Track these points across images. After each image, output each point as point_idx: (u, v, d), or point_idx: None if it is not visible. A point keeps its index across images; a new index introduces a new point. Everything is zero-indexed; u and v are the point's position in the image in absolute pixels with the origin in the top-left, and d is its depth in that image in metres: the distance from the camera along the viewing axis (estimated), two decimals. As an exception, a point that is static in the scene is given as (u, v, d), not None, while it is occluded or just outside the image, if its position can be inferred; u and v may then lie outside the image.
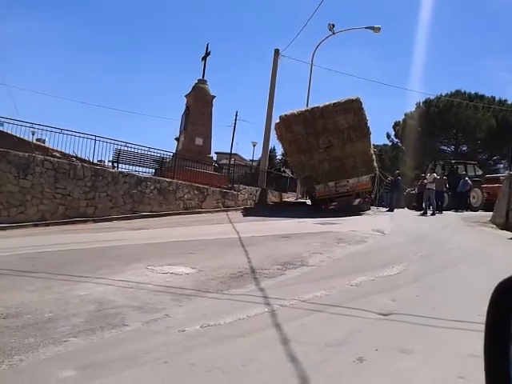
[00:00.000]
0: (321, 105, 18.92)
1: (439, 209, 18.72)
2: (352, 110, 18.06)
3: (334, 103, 18.28)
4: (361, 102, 18.11)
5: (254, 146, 47.08)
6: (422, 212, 18.20)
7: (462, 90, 40.45)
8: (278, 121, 20.11)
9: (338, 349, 3.68)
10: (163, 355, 3.46)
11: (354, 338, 3.92)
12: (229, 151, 42.73)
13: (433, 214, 17.62)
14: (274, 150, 47.77)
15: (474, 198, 21.98)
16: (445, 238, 11.07)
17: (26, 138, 16.39)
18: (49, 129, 14.89)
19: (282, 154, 39.83)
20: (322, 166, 18.44)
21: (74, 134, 14.97)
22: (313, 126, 18.39)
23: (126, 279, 5.92)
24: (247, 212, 17.85)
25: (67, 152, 16.00)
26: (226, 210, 17.93)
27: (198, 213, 17.00)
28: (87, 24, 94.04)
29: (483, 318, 1.08)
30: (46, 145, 18.97)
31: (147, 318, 4.34)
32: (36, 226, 13.03)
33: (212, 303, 4.99)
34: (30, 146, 15.52)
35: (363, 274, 6.41)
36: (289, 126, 18.95)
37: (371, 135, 18.73)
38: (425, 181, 19.68)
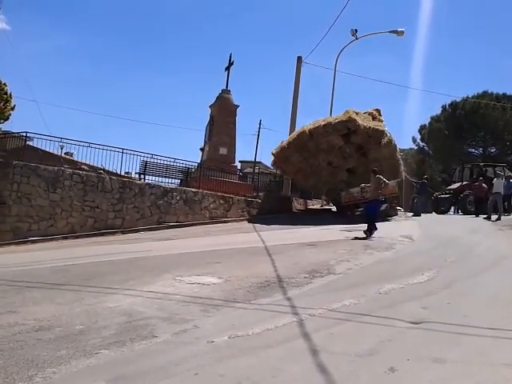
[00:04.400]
0: (310, 126, 18.46)
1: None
2: (345, 129, 17.49)
3: (324, 125, 17.72)
4: (355, 120, 17.37)
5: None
6: (485, 216, 17.24)
7: (489, 91, 39.70)
8: (273, 158, 20.03)
9: (369, 359, 3.63)
10: (193, 366, 3.47)
11: (384, 348, 3.86)
12: (253, 160, 42.84)
13: (498, 219, 16.61)
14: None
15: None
16: (475, 242, 10.82)
17: (55, 152, 16.80)
18: (77, 142, 15.20)
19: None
20: (339, 176, 18.21)
21: (102, 147, 15.24)
22: (306, 150, 18.13)
23: (155, 290, 5.98)
24: (272, 220, 17.80)
25: (95, 165, 16.32)
26: (251, 219, 17.93)
27: (224, 222, 17.08)
28: (111, 36, 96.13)
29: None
30: (75, 158, 19.39)
31: (176, 329, 4.37)
32: (66, 238, 13.31)
33: (240, 313, 4.98)
34: (59, 159, 15.91)
35: (392, 282, 6.31)
36: (285, 159, 18.92)
37: (393, 140, 18.38)
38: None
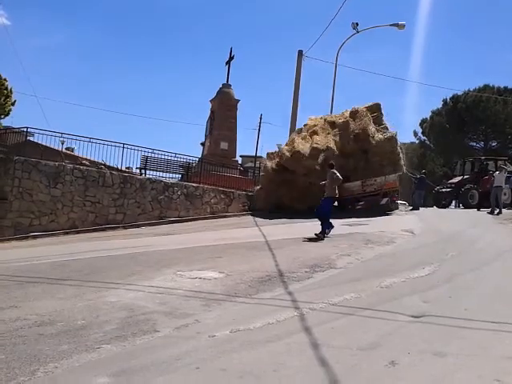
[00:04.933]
0: (283, 150, 17.54)
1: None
2: (322, 155, 16.50)
3: (299, 151, 16.59)
4: (333, 150, 16.55)
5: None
6: (489, 210, 17.12)
7: (491, 85, 39.56)
8: (259, 204, 18.76)
9: (370, 352, 3.63)
10: (194, 361, 3.48)
11: (385, 342, 3.86)
12: (254, 154, 42.81)
13: (500, 213, 16.54)
14: (299, 151, 47.38)
15: (505, 194, 21.36)
16: (476, 236, 10.81)
17: (55, 148, 16.82)
18: (78, 138, 15.22)
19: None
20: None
21: (102, 142, 15.26)
22: (283, 180, 17.08)
23: (156, 285, 5.98)
24: (273, 214, 17.76)
25: (96, 160, 16.34)
26: (252, 214, 17.92)
27: (225, 217, 17.08)
28: (111, 31, 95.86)
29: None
30: (75, 153, 19.41)
31: (178, 324, 4.38)
32: (67, 233, 13.34)
33: (241, 308, 4.99)
34: (59, 155, 15.92)
35: (393, 276, 6.31)
36: (269, 198, 17.78)
37: (394, 134, 18.25)
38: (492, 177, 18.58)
